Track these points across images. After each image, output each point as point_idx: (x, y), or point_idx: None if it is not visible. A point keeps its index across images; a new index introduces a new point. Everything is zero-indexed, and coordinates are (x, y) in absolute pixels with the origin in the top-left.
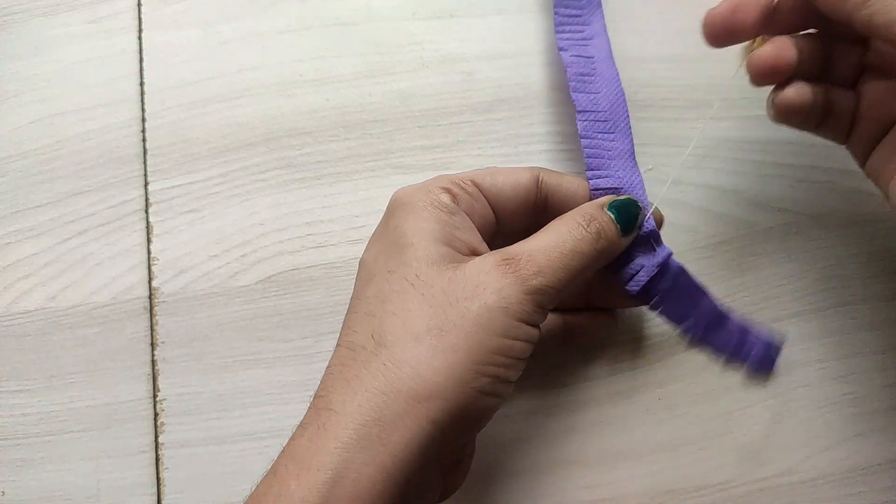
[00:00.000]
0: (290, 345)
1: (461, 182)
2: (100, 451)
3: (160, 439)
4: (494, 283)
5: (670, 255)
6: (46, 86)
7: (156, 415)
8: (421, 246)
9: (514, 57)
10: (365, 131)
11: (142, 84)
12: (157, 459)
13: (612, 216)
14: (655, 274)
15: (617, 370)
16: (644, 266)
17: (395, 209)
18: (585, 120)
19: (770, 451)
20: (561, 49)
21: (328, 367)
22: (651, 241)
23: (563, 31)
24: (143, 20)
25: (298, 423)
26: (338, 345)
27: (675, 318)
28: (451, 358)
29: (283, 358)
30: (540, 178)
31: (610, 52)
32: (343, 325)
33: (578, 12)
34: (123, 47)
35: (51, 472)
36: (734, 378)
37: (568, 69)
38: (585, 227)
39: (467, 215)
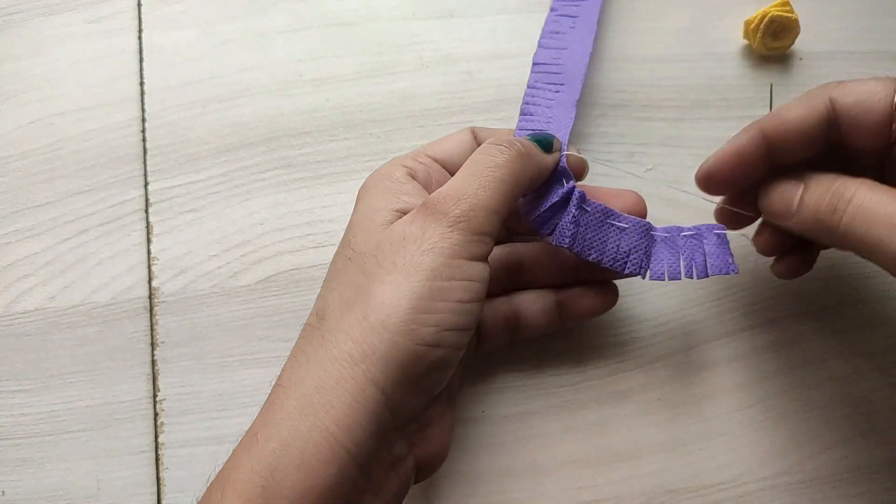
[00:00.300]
0: (290, 345)
1: (415, 156)
2: (100, 451)
3: (160, 439)
4: (417, 230)
5: (573, 188)
6: (46, 86)
7: (156, 415)
8: (363, 221)
9: (514, 57)
10: (365, 131)
11: (142, 84)
12: (157, 459)
13: (527, 137)
14: (565, 213)
15: (617, 371)
16: (553, 199)
17: (356, 199)
18: (538, 72)
19: (770, 451)
20: (552, 9)
21: None
22: (563, 179)
23: None
24: (143, 20)
25: None
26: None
27: (598, 254)
28: (381, 316)
29: (283, 358)
30: (475, 134)
31: (595, 18)
32: None
33: None
34: (123, 47)
35: (51, 472)
36: (734, 378)
37: (545, 25)
38: (497, 143)
39: (426, 184)
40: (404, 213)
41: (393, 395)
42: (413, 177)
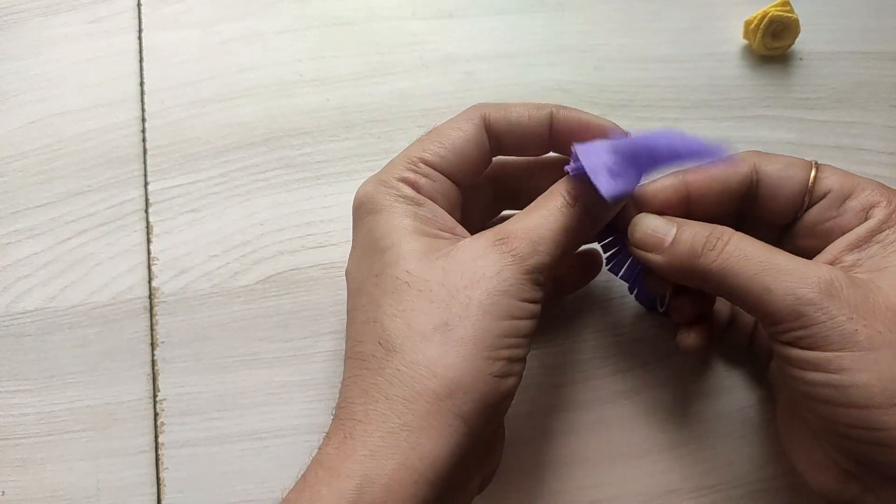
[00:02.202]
0: (290, 345)
1: (412, 166)
2: (100, 451)
3: (160, 439)
4: (492, 267)
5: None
6: (46, 86)
7: (156, 415)
8: (401, 244)
9: (514, 57)
10: (365, 131)
11: (142, 84)
12: (157, 459)
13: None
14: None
15: (617, 370)
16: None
17: (362, 214)
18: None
19: (769, 452)
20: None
21: (343, 381)
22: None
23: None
24: (143, 20)
25: (324, 435)
26: (347, 358)
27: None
28: (462, 351)
29: (283, 358)
30: (486, 119)
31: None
32: (347, 338)
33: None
34: (123, 47)
35: (51, 472)
36: (733, 379)
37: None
38: (572, 205)
39: (432, 199)
40: (437, 237)
41: (475, 426)
42: (418, 190)
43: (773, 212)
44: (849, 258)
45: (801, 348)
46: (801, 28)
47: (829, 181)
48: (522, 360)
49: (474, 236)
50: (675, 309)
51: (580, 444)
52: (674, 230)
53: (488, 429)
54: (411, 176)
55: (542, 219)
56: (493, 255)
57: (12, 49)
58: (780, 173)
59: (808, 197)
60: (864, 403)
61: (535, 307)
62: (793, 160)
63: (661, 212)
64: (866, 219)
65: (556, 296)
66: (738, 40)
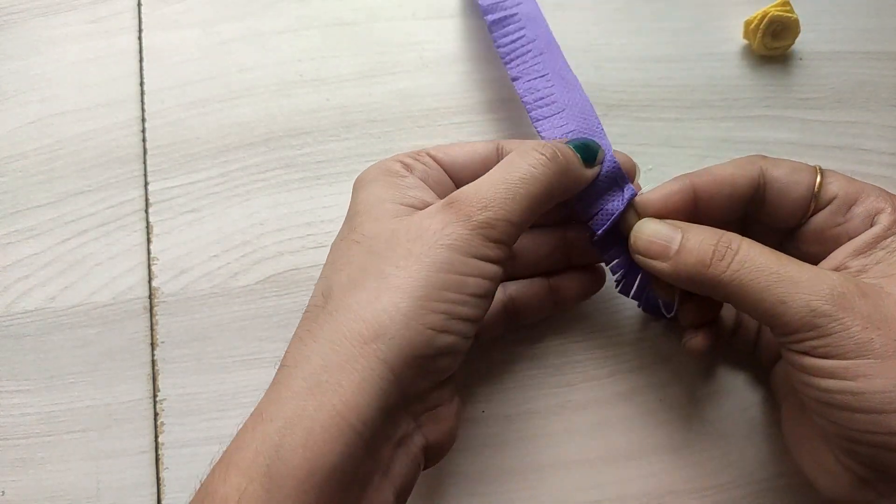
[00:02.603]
0: None
1: (415, 154)
2: (100, 451)
3: (160, 439)
4: (438, 224)
5: (634, 194)
6: (46, 86)
7: (156, 415)
8: (368, 210)
9: None
10: (365, 131)
11: (142, 84)
12: (157, 459)
13: (571, 147)
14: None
15: (618, 371)
16: (609, 208)
17: (353, 191)
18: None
19: (770, 453)
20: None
21: None
22: (617, 180)
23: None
24: (143, 20)
25: None
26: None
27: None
28: (394, 297)
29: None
30: (500, 147)
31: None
32: None
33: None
34: (123, 47)
35: (51, 472)
36: (735, 379)
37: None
38: (539, 150)
39: (422, 180)
40: (411, 206)
41: (402, 374)
42: (409, 170)
43: (778, 216)
44: (855, 264)
45: (816, 357)
46: (801, 28)
47: (834, 187)
48: (468, 320)
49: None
50: (683, 314)
51: (580, 444)
52: (679, 237)
53: (421, 383)
54: (408, 160)
55: (500, 173)
56: (440, 215)
57: (12, 49)
58: (787, 178)
59: (813, 202)
60: (881, 409)
61: (487, 266)
62: (798, 165)
63: (666, 216)
64: (872, 225)
65: (558, 310)
66: (738, 40)
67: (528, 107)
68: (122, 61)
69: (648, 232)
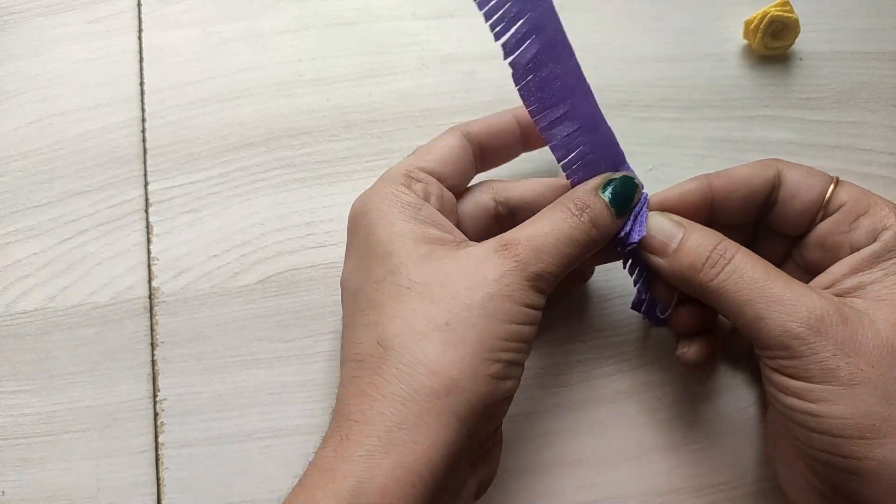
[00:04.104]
0: (290, 345)
1: (411, 173)
2: (100, 451)
3: (160, 439)
4: (495, 271)
5: (645, 197)
6: (46, 86)
7: (156, 415)
8: (403, 250)
9: None
10: (365, 131)
11: (142, 84)
12: (157, 459)
13: (607, 199)
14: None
15: (618, 370)
16: (631, 225)
17: (360, 221)
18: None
19: None
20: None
21: (340, 383)
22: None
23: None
24: (143, 20)
25: (322, 439)
26: (344, 361)
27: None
28: (461, 350)
29: (283, 358)
30: (465, 131)
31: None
32: (343, 342)
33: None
34: (123, 47)
35: (51, 472)
36: (735, 378)
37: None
38: (578, 216)
39: (428, 201)
40: (442, 242)
41: (472, 425)
42: (417, 194)
43: (787, 219)
44: (849, 282)
45: (785, 375)
46: (801, 28)
47: (844, 195)
48: (521, 364)
49: (478, 243)
50: (675, 318)
51: (580, 444)
52: (680, 235)
53: (485, 430)
54: (408, 182)
55: (546, 227)
56: (496, 260)
57: (12, 49)
58: (800, 180)
59: (822, 210)
60: (838, 433)
61: (536, 313)
62: (814, 171)
63: (683, 215)
64: (875, 240)
65: (553, 294)
66: (738, 40)
67: (559, 161)
68: (122, 61)
69: (653, 226)
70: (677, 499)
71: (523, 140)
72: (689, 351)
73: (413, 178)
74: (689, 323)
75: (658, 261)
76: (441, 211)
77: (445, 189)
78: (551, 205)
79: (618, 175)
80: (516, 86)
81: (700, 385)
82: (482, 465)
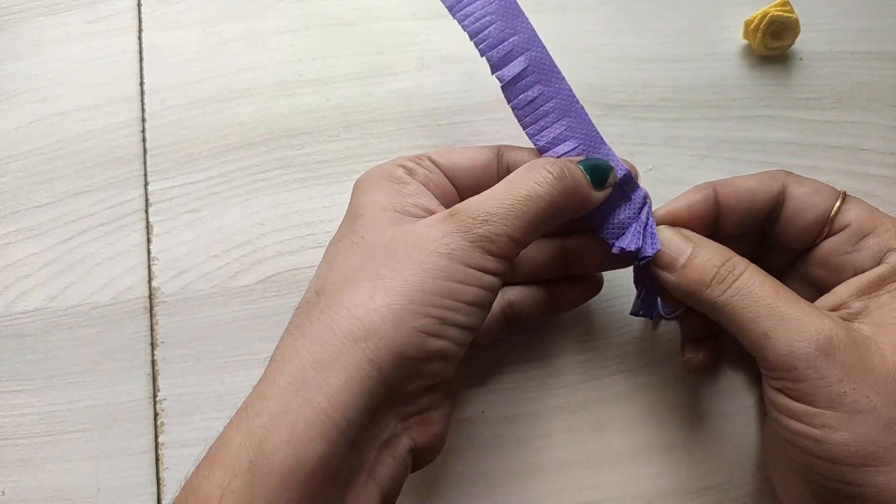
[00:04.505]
0: None
1: (416, 159)
2: (100, 451)
3: (160, 439)
4: (438, 232)
5: (646, 199)
6: (46, 86)
7: (156, 415)
8: (370, 214)
9: None
10: (365, 131)
11: (142, 84)
12: (157, 459)
13: (582, 168)
14: (637, 222)
15: (618, 371)
16: (626, 222)
17: (353, 192)
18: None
19: None
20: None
21: None
22: (626, 189)
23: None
24: (143, 20)
25: None
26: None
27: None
28: (387, 298)
29: None
30: (500, 153)
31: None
32: None
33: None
34: (123, 47)
35: (51, 472)
36: (735, 380)
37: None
38: (547, 167)
39: (424, 185)
40: (413, 215)
41: (389, 375)
42: (410, 174)
43: (791, 235)
44: (856, 305)
45: (789, 397)
46: (801, 28)
47: (850, 214)
48: (465, 327)
49: (437, 212)
50: (686, 325)
51: (580, 444)
52: (689, 251)
53: (410, 385)
54: (410, 164)
55: (502, 190)
56: (441, 224)
57: (12, 49)
58: (805, 198)
59: (827, 227)
60: (840, 460)
61: (485, 276)
62: (821, 187)
63: (689, 225)
64: (880, 262)
65: (555, 314)
66: (738, 40)
67: (530, 136)
68: (122, 61)
69: (662, 240)
70: (677, 499)
71: None
72: (697, 357)
73: (419, 163)
74: (698, 326)
75: (666, 276)
76: (437, 198)
77: (447, 182)
78: (518, 169)
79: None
80: (509, 104)
81: (700, 386)
82: (418, 427)
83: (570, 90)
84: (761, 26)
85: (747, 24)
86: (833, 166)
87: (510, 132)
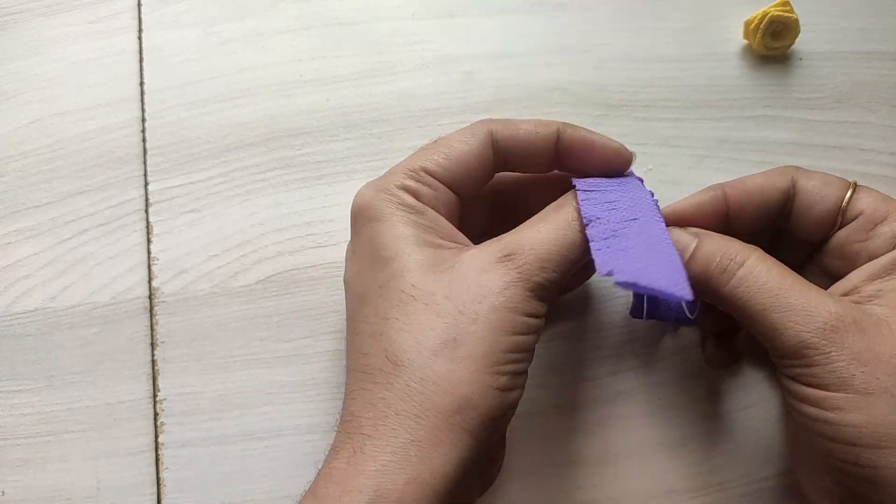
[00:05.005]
0: (290, 345)
1: (415, 175)
2: (100, 451)
3: (160, 439)
4: (498, 283)
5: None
6: (46, 86)
7: (156, 415)
8: (405, 254)
9: (514, 57)
10: (365, 131)
11: (142, 84)
12: (157, 459)
13: None
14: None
15: (617, 370)
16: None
17: (361, 221)
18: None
19: (770, 451)
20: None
21: (347, 393)
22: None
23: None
24: (143, 20)
25: (330, 447)
26: (350, 370)
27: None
28: (471, 367)
29: (283, 358)
30: (493, 135)
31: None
32: (349, 349)
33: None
34: (123, 47)
35: (51, 472)
36: (734, 378)
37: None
38: (581, 220)
39: (433, 207)
40: (444, 248)
41: (482, 439)
42: (419, 199)
43: (804, 229)
44: (869, 289)
45: (802, 384)
46: (801, 28)
47: (862, 203)
48: (525, 373)
49: (479, 247)
50: (706, 320)
51: (580, 444)
52: (694, 245)
53: (493, 441)
54: (412, 184)
55: (549, 233)
56: (499, 271)
57: (12, 49)
58: (816, 191)
59: (840, 217)
60: (854, 442)
61: (539, 322)
62: (831, 178)
63: (698, 225)
64: (894, 248)
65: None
66: (738, 40)
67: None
68: (122, 61)
69: None
70: (677, 499)
71: (556, 161)
72: (718, 355)
73: (418, 180)
74: (719, 320)
75: None
76: (445, 217)
77: (450, 193)
78: (553, 206)
79: None
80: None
81: (700, 385)
82: (488, 470)
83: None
84: (761, 26)
85: (747, 24)
86: (833, 166)
87: None
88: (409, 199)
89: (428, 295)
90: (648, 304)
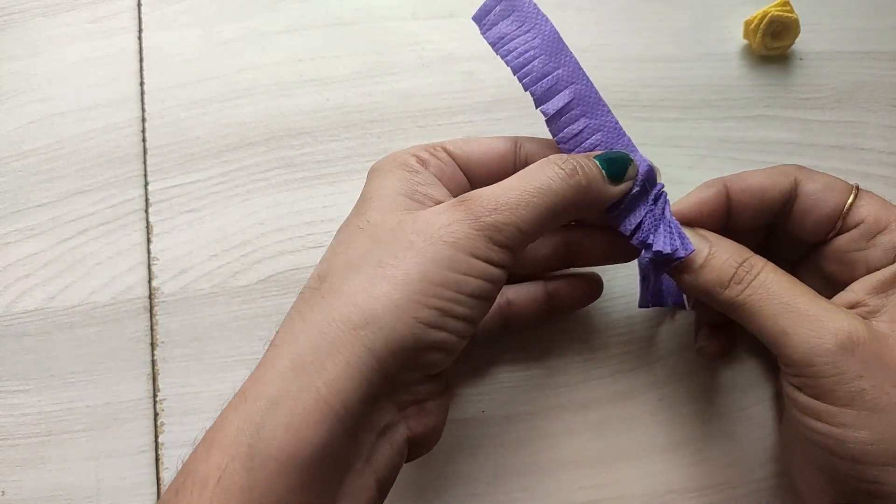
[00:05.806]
0: None
1: (431, 148)
2: (100, 451)
3: (160, 439)
4: (445, 219)
5: (662, 191)
6: (46, 86)
7: (156, 415)
8: (378, 199)
9: None
10: (365, 131)
11: (142, 84)
12: (157, 459)
13: (597, 162)
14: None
15: (618, 371)
16: (651, 223)
17: (367, 178)
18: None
19: (769, 452)
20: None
21: None
22: (646, 184)
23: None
24: (143, 20)
25: None
26: None
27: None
28: (388, 287)
29: None
30: (518, 144)
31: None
32: None
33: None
34: (123, 47)
35: (51, 472)
36: (734, 378)
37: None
38: (560, 164)
39: (436, 177)
40: (421, 202)
41: (388, 365)
42: (423, 164)
43: (803, 230)
44: (873, 302)
45: (808, 395)
46: (801, 28)
47: (864, 210)
48: (466, 319)
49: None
50: (703, 312)
51: (580, 444)
52: (706, 251)
53: (408, 375)
54: (424, 154)
55: (517, 180)
56: (448, 211)
57: (12, 49)
58: (818, 194)
59: (840, 222)
60: (860, 459)
61: (490, 268)
62: (833, 182)
63: (700, 222)
64: (894, 260)
65: (553, 316)
66: (738, 40)
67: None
68: (122, 61)
69: None
70: (678, 499)
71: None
72: (712, 345)
73: (434, 153)
74: (715, 312)
75: (684, 276)
76: (449, 189)
77: (461, 174)
78: (532, 164)
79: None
80: (553, 137)
81: (700, 385)
82: (415, 417)
83: (617, 123)
84: (761, 26)
85: (747, 24)
86: (833, 166)
87: (510, 132)
88: (412, 162)
89: (375, 228)
90: (653, 291)
